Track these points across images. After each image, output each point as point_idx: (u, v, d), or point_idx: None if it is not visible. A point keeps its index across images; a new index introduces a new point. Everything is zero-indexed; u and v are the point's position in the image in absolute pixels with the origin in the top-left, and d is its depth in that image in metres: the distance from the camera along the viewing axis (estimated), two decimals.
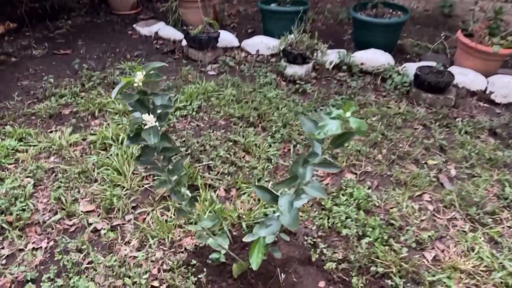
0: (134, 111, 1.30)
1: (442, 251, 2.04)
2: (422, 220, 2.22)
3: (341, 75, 3.84)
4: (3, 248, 2.00)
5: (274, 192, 1.61)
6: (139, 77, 1.26)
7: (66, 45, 4.48)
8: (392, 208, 2.27)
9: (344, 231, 2.07)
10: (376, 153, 2.74)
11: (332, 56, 3.92)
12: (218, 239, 1.68)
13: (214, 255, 1.81)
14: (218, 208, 2.18)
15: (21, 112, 3.18)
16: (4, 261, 1.94)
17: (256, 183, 2.42)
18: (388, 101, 3.41)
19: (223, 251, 1.81)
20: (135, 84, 1.26)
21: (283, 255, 1.93)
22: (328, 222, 2.15)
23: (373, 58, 3.86)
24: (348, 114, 1.33)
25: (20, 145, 2.74)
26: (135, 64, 4.02)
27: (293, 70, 3.77)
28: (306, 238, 2.05)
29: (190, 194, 1.52)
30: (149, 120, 1.28)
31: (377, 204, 2.28)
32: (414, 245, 2.05)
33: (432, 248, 2.06)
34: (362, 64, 3.86)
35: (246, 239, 1.68)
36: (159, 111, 1.30)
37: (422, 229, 2.16)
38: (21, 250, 2.00)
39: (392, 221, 2.17)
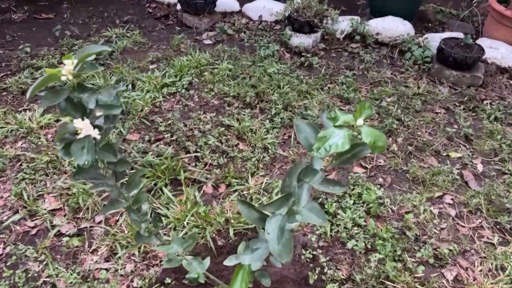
0: (66, 114, 0.95)
1: (466, 269, 1.72)
2: (442, 229, 1.88)
3: (353, 47, 3.40)
4: None
5: (262, 211, 1.27)
6: (67, 68, 0.90)
7: (49, 9, 4.04)
8: (407, 213, 1.93)
9: (350, 244, 1.74)
10: (390, 142, 2.36)
11: (343, 24, 3.46)
12: (193, 263, 1.37)
13: (191, 275, 1.51)
14: (203, 211, 1.86)
15: None
16: None
17: (249, 178, 2.09)
18: (406, 78, 2.99)
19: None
20: (63, 78, 0.90)
21: (274, 275, 1.63)
22: (331, 230, 1.82)
23: (391, 27, 3.39)
24: (360, 121, 0.96)
25: None
26: (123, 32, 3.61)
27: (299, 40, 3.33)
28: (304, 251, 1.73)
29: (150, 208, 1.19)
30: (83, 127, 0.93)
31: (390, 209, 1.94)
32: (432, 260, 1.73)
33: (454, 265, 1.73)
34: (377, 34, 3.40)
35: (228, 263, 1.36)
36: (98, 113, 0.94)
37: (442, 241, 1.82)
38: None
39: (406, 231, 1.84)
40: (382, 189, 2.04)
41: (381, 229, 1.82)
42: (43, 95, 0.90)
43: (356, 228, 1.82)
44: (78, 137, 0.94)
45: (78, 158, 0.90)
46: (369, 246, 1.75)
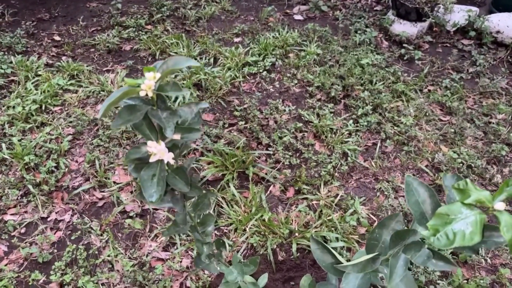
0: (139, 133, 0.83)
1: None
2: None
3: (465, 43, 2.93)
4: (26, 212, 1.80)
5: (337, 256, 1.10)
6: (148, 83, 0.76)
7: None
8: (502, 265, 1.64)
9: None
10: (494, 172, 2.00)
11: (457, 16, 2.97)
12: None
13: None
14: (268, 218, 1.73)
15: (81, 42, 2.89)
16: (23, 230, 1.74)
17: (321, 186, 1.90)
18: None
19: None
20: (142, 94, 0.77)
21: None
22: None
23: None
24: (500, 204, 0.72)
25: (71, 84, 2.47)
26: None
27: (402, 28, 2.94)
28: None
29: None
30: (157, 152, 0.81)
31: (483, 258, 1.65)
32: None
33: None
34: (498, 32, 2.88)
35: None
36: (175, 137, 0.81)
37: None
38: (43, 219, 1.79)
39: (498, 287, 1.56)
40: None
41: (468, 281, 1.56)
42: (118, 113, 0.77)
43: (438, 272, 1.58)
44: (150, 160, 0.82)
45: (145, 190, 0.78)
46: None
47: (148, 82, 0.77)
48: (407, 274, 0.94)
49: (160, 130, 0.84)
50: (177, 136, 0.83)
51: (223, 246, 1.14)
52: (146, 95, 0.78)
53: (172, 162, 0.84)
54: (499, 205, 0.72)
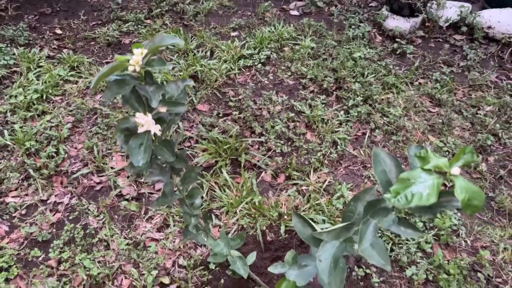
0: (128, 106, 0.90)
1: None
2: None
3: (457, 39, 2.99)
4: (27, 195, 1.88)
5: (316, 227, 1.17)
6: (136, 58, 0.83)
7: None
8: (483, 248, 1.70)
9: (409, 271, 1.58)
10: (479, 161, 2.07)
11: (450, 11, 3.04)
12: (237, 262, 1.32)
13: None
14: (258, 201, 1.80)
15: (82, 35, 2.97)
16: (24, 211, 1.82)
17: (311, 173, 1.97)
18: None
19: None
20: (130, 68, 0.84)
21: None
22: (391, 251, 1.67)
23: (508, 22, 2.90)
24: (455, 169, 0.79)
25: (71, 75, 2.55)
26: None
27: (395, 23, 3.00)
28: (356, 267, 1.61)
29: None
30: (144, 123, 0.88)
31: (464, 240, 1.72)
32: None
33: None
34: (489, 27, 2.94)
35: (272, 270, 1.30)
36: (161, 110, 0.88)
37: None
38: (43, 201, 1.87)
39: (478, 268, 1.63)
40: (458, 214, 1.81)
41: (449, 262, 1.62)
42: (108, 86, 0.85)
43: (420, 253, 1.64)
44: (138, 131, 0.90)
45: (133, 157, 0.86)
46: (430, 278, 1.58)
47: (136, 58, 0.85)
48: (378, 241, 1.00)
49: (148, 103, 0.91)
50: (163, 109, 0.90)
51: (210, 219, 1.21)
52: (134, 70, 0.86)
53: (158, 133, 0.91)
54: (455, 170, 0.79)
